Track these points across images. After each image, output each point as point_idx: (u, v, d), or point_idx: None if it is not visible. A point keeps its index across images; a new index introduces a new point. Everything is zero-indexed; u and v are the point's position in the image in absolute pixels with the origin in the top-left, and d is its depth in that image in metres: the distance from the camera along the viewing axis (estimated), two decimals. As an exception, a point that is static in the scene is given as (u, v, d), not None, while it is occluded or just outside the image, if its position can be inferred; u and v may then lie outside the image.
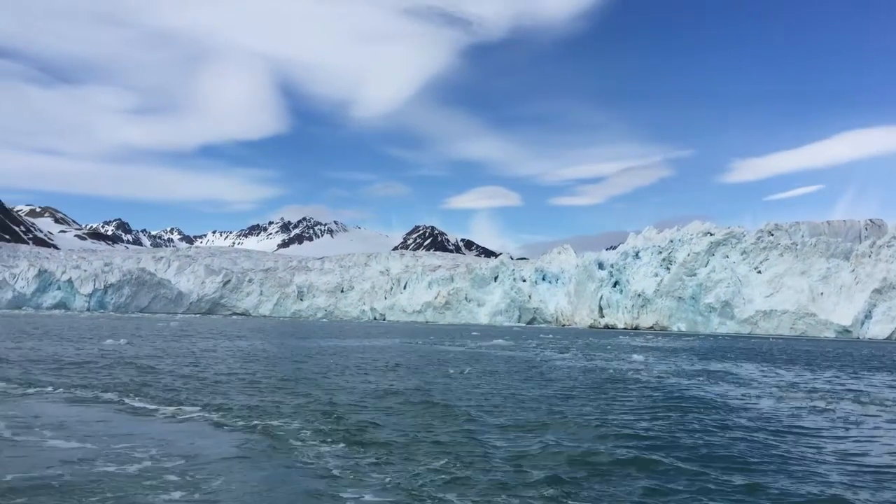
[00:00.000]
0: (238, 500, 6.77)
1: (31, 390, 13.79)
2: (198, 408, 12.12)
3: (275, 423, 10.77)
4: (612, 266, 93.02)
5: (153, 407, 12.15)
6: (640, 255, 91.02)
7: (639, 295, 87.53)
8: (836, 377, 22.35)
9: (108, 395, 13.35)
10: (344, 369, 20.52)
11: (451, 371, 20.06)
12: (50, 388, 14.03)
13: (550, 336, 54.03)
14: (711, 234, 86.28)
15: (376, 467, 8.10)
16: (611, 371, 21.77)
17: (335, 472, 7.82)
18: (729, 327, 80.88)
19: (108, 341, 28.81)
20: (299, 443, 9.37)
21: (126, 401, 12.73)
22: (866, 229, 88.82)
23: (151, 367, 18.74)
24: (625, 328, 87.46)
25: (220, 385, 15.51)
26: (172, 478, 7.38)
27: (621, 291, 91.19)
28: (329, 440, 9.56)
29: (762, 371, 22.59)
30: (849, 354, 38.86)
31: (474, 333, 57.17)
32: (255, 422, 10.84)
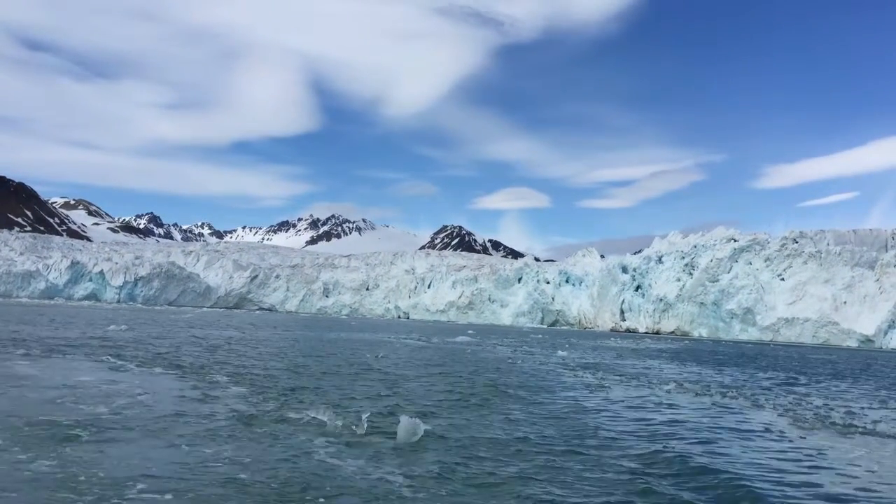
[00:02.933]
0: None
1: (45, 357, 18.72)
2: (138, 362, 17.26)
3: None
4: (634, 270, 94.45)
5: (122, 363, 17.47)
6: (663, 259, 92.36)
7: (661, 299, 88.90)
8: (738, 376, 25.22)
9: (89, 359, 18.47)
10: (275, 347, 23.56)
11: (368, 356, 23.85)
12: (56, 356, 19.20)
13: (540, 336, 57.07)
14: (735, 241, 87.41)
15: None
16: (509, 360, 25.65)
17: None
18: (750, 334, 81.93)
19: (112, 327, 32.79)
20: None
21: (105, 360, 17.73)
22: (893, 238, 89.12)
23: (127, 344, 23.34)
24: (646, 332, 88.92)
25: (166, 352, 21.24)
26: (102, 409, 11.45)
27: (643, 296, 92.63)
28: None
29: (679, 371, 25.13)
30: (831, 362, 41.10)
31: (471, 332, 59.89)
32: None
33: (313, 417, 10.13)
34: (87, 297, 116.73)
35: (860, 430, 12.17)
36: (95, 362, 16.73)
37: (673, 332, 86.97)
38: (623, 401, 14.77)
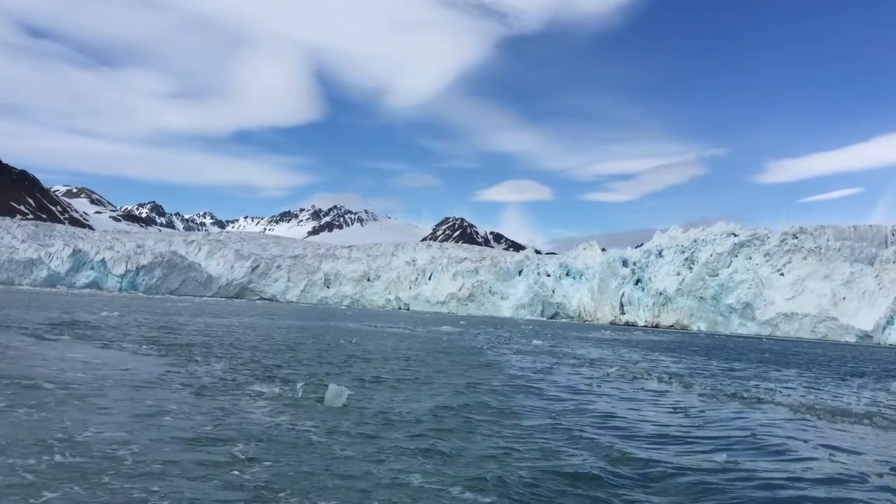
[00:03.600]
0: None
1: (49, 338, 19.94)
2: (125, 343, 18.63)
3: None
4: (635, 264, 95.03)
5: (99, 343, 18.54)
6: (663, 253, 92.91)
7: (660, 293, 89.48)
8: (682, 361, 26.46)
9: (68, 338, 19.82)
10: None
11: (342, 342, 25.07)
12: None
13: (531, 327, 58.23)
14: (735, 235, 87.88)
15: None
16: (478, 347, 26.94)
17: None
18: (749, 328, 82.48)
19: (104, 313, 34.07)
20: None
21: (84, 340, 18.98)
22: (893, 235, 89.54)
23: (117, 327, 25.01)
24: (645, 326, 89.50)
25: (154, 336, 22.96)
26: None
27: (643, 289, 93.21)
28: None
29: (637, 359, 26.25)
30: (805, 353, 42.10)
31: (462, 323, 61.17)
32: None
33: (260, 389, 11.28)
34: (88, 286, 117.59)
35: (741, 398, 14.51)
36: (83, 343, 17.83)
37: (672, 326, 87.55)
38: (557, 381, 15.94)
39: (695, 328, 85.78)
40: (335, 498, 5.77)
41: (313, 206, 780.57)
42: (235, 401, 10.04)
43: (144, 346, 17.47)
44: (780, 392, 16.28)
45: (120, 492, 5.57)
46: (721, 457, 8.03)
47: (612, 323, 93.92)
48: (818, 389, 17.74)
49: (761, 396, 14.98)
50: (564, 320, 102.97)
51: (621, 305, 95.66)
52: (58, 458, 6.34)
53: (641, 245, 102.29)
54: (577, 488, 6.59)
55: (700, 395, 14.93)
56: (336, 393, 9.98)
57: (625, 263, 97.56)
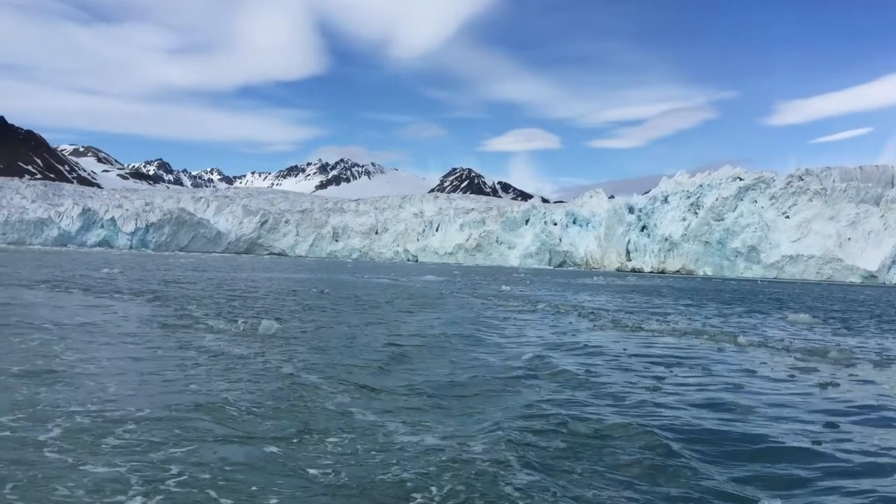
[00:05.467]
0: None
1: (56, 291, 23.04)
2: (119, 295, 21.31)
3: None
4: (640, 210, 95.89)
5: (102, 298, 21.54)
6: (668, 199, 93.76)
7: (666, 239, 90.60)
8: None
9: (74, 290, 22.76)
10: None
11: (314, 290, 27.57)
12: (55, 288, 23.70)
13: (522, 276, 60.69)
14: (741, 179, 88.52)
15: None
16: (444, 294, 30.38)
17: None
18: (755, 272, 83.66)
19: (105, 270, 36.83)
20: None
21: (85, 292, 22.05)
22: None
23: (107, 281, 28.17)
24: (651, 272, 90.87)
25: (143, 289, 25.48)
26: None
27: (649, 235, 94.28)
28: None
29: (606, 303, 29.59)
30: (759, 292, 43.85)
31: (456, 273, 63.39)
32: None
33: (212, 323, 14.04)
34: (99, 244, 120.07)
35: (623, 327, 16.06)
36: (83, 295, 20.40)
37: (678, 272, 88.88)
38: (496, 323, 18.01)
39: (700, 273, 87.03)
40: (242, 382, 8.00)
41: (320, 160, 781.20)
42: (190, 333, 12.62)
43: (128, 296, 20.19)
44: (667, 321, 19.01)
45: (95, 390, 7.76)
46: (528, 355, 11.34)
47: (618, 269, 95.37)
48: (713, 318, 20.65)
49: (644, 326, 17.46)
50: (572, 268, 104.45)
51: (627, 252, 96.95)
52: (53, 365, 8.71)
53: (649, 192, 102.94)
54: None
55: (590, 321, 18.17)
56: (267, 327, 12.82)
57: (630, 210, 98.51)
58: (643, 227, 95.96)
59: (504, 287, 35.30)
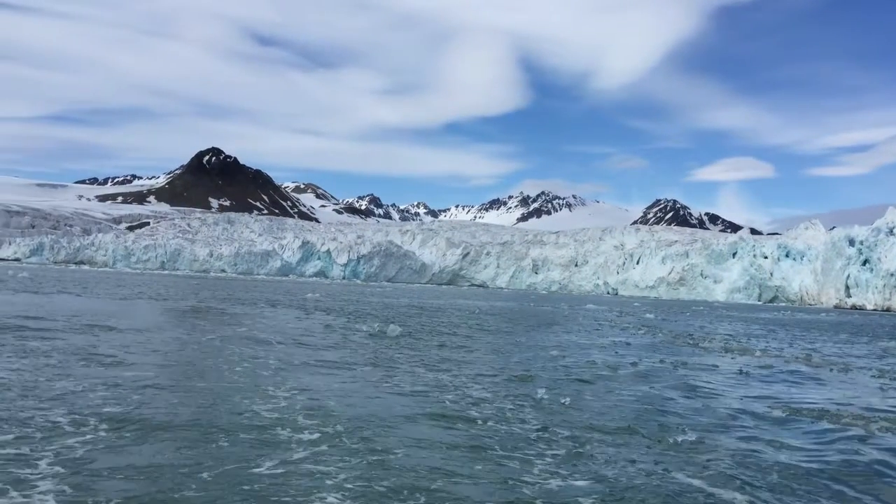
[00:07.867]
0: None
1: (266, 309, 30.13)
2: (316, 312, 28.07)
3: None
4: (861, 243, 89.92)
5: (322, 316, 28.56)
6: (894, 231, 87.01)
7: (892, 274, 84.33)
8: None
9: (294, 310, 30.40)
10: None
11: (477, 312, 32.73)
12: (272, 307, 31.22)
13: (703, 309, 61.65)
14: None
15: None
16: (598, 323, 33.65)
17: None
18: None
19: (309, 295, 44.76)
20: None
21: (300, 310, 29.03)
22: None
23: (317, 301, 35.77)
24: (874, 309, 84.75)
25: (311, 306, 31.68)
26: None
27: (871, 270, 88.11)
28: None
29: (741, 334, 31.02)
30: None
31: (638, 305, 64.23)
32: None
33: (360, 327, 19.94)
34: (316, 274, 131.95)
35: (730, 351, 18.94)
36: (287, 311, 27.26)
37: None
38: (604, 346, 21.98)
39: (933, 312, 79.97)
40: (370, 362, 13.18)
41: (521, 193, 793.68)
42: (350, 331, 18.90)
43: (319, 313, 26.57)
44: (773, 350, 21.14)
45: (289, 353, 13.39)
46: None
47: (836, 307, 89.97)
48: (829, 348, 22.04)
49: (748, 347, 20.24)
50: (783, 304, 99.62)
51: (847, 288, 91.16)
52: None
53: (873, 223, 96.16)
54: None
55: (712, 352, 20.80)
56: (394, 330, 18.33)
57: (851, 242, 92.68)
58: (865, 261, 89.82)
59: (648, 315, 37.95)
